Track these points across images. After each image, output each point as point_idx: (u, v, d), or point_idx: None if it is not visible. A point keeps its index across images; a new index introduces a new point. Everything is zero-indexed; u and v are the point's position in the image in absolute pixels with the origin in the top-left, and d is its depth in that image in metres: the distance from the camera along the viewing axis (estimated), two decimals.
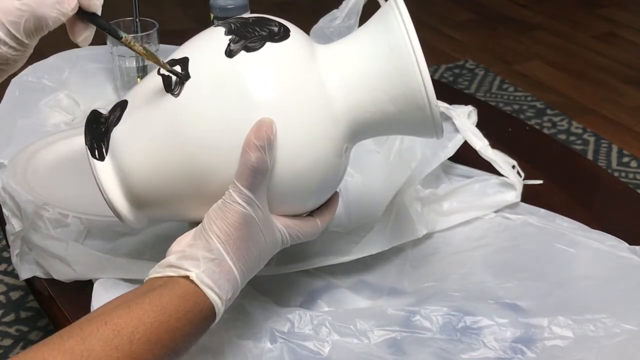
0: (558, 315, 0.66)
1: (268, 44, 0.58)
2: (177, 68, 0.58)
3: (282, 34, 0.59)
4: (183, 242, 0.56)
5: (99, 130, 0.61)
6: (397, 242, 0.76)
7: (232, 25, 0.60)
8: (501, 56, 2.38)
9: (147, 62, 1.02)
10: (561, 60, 2.35)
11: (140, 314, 0.51)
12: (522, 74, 2.26)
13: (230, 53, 0.57)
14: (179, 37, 1.20)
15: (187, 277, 0.54)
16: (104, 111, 0.63)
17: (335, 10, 1.07)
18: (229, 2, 0.98)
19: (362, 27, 0.62)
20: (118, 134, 0.60)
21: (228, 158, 0.56)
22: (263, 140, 0.54)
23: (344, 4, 1.05)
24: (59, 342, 0.49)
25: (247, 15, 0.62)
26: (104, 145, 0.60)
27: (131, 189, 0.60)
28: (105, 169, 0.60)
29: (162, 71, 0.59)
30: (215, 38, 0.59)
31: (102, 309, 0.53)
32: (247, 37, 0.58)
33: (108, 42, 1.01)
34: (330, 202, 0.64)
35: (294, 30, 0.61)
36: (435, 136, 0.61)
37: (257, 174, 0.55)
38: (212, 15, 0.99)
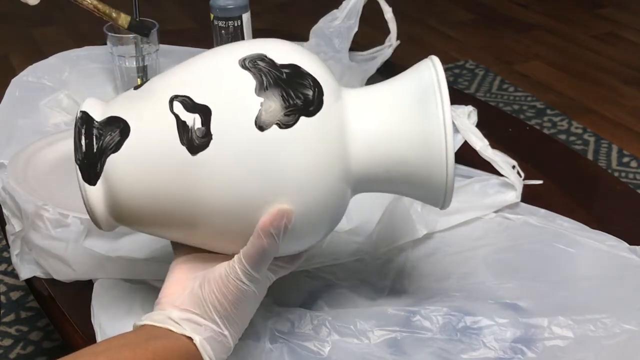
0: (558, 315, 0.66)
1: (302, 120, 0.53)
2: (197, 119, 0.53)
3: (317, 103, 0.54)
4: (178, 299, 0.56)
5: (90, 149, 0.55)
6: (397, 243, 0.76)
7: (264, 79, 0.54)
8: (501, 56, 2.39)
9: (147, 62, 1.02)
10: (561, 60, 2.35)
11: (145, 359, 0.52)
12: (522, 74, 2.27)
13: (261, 127, 0.52)
14: (179, 37, 1.20)
15: (189, 338, 0.54)
16: (97, 116, 0.56)
17: (335, 11, 1.07)
18: (229, 2, 0.98)
19: (399, 77, 0.59)
20: (117, 163, 0.55)
21: (236, 233, 0.54)
22: (279, 229, 0.53)
23: (344, 4, 1.05)
24: None
25: (276, 59, 0.55)
26: (97, 168, 0.55)
27: (121, 213, 0.57)
28: (96, 194, 0.56)
29: (176, 111, 0.54)
30: (242, 92, 0.53)
31: (107, 344, 0.53)
32: (281, 105, 0.53)
33: (108, 42, 1.01)
34: None
35: (325, 85, 0.55)
36: (441, 207, 0.60)
37: (266, 257, 0.55)
38: (212, 15, 0.99)
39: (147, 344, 0.52)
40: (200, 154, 0.53)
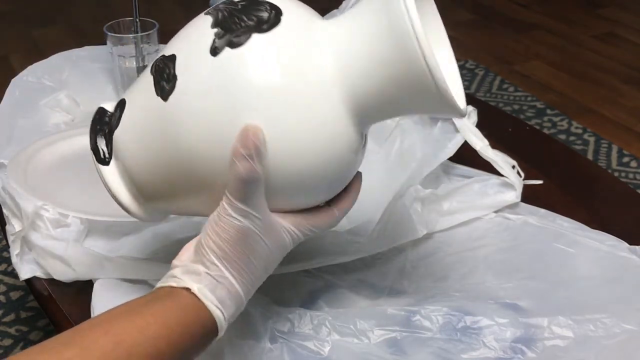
0: (558, 315, 0.66)
1: (254, 37, 0.53)
2: (166, 68, 0.55)
3: (272, 21, 0.54)
4: (185, 256, 0.55)
5: (103, 132, 0.60)
6: (397, 242, 0.76)
7: (219, 14, 0.55)
8: (501, 56, 2.39)
9: (147, 62, 1.02)
10: (561, 60, 2.35)
11: (142, 325, 0.50)
12: (522, 74, 2.26)
13: (214, 51, 0.53)
14: None
15: (189, 290, 0.53)
16: (111, 107, 0.61)
17: (335, 11, 1.07)
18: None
19: (364, 1, 0.56)
20: (119, 136, 0.59)
21: (222, 167, 0.53)
22: (250, 149, 0.51)
23: (344, 4, 1.05)
24: (58, 350, 0.48)
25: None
26: (108, 147, 0.59)
27: (140, 189, 0.59)
28: (111, 173, 0.59)
29: (153, 72, 0.56)
30: (201, 31, 0.55)
31: (104, 316, 0.52)
32: (232, 30, 0.53)
33: (108, 42, 1.01)
34: (348, 187, 0.60)
35: (288, 10, 0.55)
36: (457, 115, 0.55)
37: (248, 184, 0.52)
38: None
39: (146, 308, 0.51)
40: (171, 97, 0.54)
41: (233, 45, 0.53)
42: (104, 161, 0.59)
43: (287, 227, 0.56)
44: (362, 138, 0.58)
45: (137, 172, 0.58)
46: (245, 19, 0.54)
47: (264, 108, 0.52)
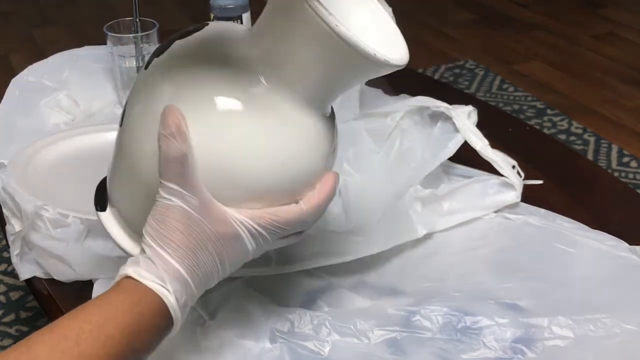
0: (558, 315, 0.66)
1: (176, 42, 0.58)
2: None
3: (197, 29, 0.59)
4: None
5: (102, 183, 0.64)
6: (397, 242, 0.76)
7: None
8: (501, 56, 2.38)
9: None
10: (561, 60, 2.35)
11: (84, 315, 0.51)
12: (522, 74, 2.26)
13: (147, 65, 0.58)
14: None
15: (129, 277, 0.53)
16: None
17: None
18: (229, 2, 0.98)
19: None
20: (109, 180, 0.63)
21: None
22: (169, 127, 0.52)
23: None
24: (4, 355, 0.48)
25: None
26: (105, 195, 0.62)
27: (135, 229, 0.59)
28: (107, 218, 0.62)
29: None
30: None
31: (50, 324, 0.52)
32: (161, 47, 0.58)
33: (108, 42, 1.01)
34: (320, 182, 0.57)
35: (214, 23, 0.61)
36: (384, 66, 0.53)
37: (172, 162, 0.52)
38: (212, 15, 0.99)
39: (89, 303, 0.52)
40: (123, 120, 0.59)
41: (158, 54, 0.58)
42: (101, 208, 0.62)
43: (242, 219, 0.54)
44: (320, 131, 0.57)
45: (127, 210, 0.60)
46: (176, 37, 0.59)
47: (178, 98, 0.55)
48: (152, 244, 0.53)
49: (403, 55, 0.56)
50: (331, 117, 0.60)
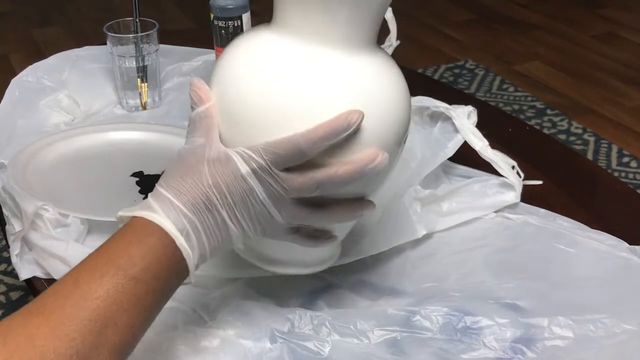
0: (558, 315, 0.66)
1: None
2: None
3: None
4: None
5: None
6: (397, 243, 0.76)
7: None
8: (501, 56, 2.39)
9: (147, 62, 1.02)
10: (561, 60, 2.35)
11: (93, 255, 0.54)
12: (522, 74, 2.27)
13: None
14: (179, 37, 1.20)
15: (136, 217, 0.55)
16: None
17: None
18: (229, 2, 0.98)
19: None
20: None
21: None
22: (194, 100, 0.58)
23: None
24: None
25: None
26: None
27: None
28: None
29: None
30: None
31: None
32: None
33: (108, 42, 1.01)
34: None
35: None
36: None
37: (194, 122, 0.58)
38: (212, 15, 0.99)
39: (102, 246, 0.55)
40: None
41: None
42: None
43: (238, 149, 0.55)
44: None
45: None
46: None
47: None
48: (158, 187, 0.56)
49: None
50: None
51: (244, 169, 0.55)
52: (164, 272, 0.54)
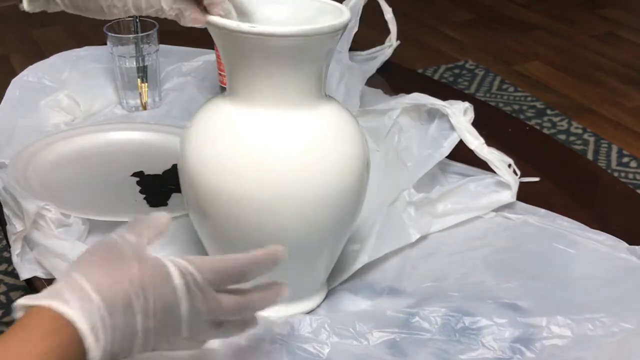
0: (557, 315, 0.66)
1: None
2: None
3: None
4: None
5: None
6: (390, 249, 0.75)
7: None
8: (501, 56, 2.39)
9: (148, 62, 1.02)
10: (561, 60, 2.35)
11: None
12: (522, 74, 2.27)
13: None
14: (179, 37, 1.20)
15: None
16: None
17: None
18: None
19: None
20: None
21: None
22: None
23: (343, 4, 1.05)
24: None
25: None
26: None
27: None
28: None
29: None
30: None
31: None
32: None
33: (108, 42, 1.01)
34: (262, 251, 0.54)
35: None
36: None
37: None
38: None
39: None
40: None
41: None
42: None
43: (175, 260, 0.51)
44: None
45: None
46: None
47: None
48: (70, 269, 0.49)
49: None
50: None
51: (178, 280, 0.50)
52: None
